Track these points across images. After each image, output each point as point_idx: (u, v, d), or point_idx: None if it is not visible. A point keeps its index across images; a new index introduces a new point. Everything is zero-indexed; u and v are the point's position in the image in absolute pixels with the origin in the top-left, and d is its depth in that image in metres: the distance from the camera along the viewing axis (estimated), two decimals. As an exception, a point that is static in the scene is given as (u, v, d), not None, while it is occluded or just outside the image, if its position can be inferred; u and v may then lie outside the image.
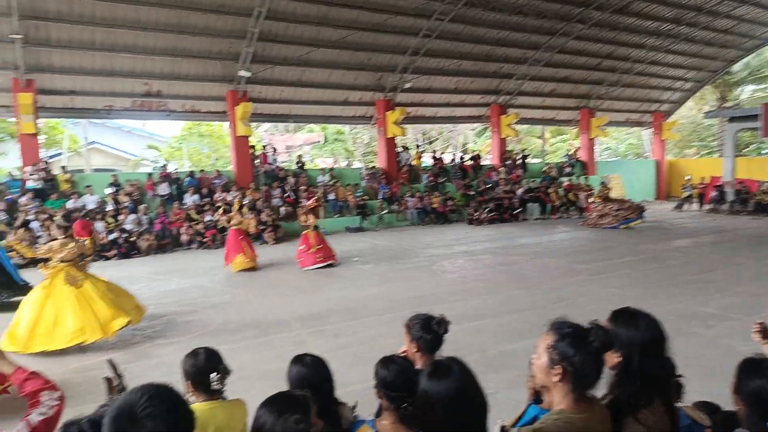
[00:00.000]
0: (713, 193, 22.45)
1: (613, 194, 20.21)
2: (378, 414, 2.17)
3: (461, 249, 13.53)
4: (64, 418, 1.97)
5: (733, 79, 32.34)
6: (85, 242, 6.89)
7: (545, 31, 21.27)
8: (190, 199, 16.64)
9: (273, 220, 16.46)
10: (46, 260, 6.65)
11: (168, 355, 6.08)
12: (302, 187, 18.49)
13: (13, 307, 8.50)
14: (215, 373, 2.32)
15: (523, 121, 25.22)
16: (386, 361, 2.13)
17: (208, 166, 25.39)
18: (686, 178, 24.42)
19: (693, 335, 6.11)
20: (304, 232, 11.76)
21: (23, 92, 14.72)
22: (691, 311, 7.16)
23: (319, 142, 34.33)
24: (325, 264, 11.37)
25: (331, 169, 21.45)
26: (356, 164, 31.31)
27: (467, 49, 20.88)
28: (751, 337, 2.50)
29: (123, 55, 15.97)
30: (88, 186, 15.94)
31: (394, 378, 2.04)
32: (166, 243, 15.04)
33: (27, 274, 9.50)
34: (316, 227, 11.87)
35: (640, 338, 1.89)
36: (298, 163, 21.20)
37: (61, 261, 6.52)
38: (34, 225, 13.66)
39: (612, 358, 1.85)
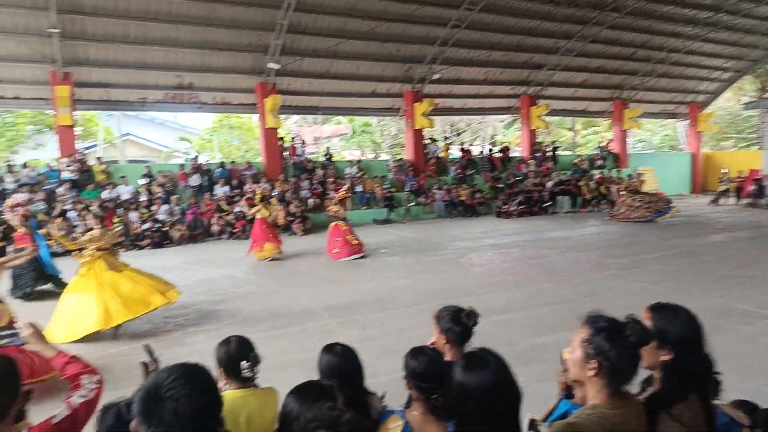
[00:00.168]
0: (751, 187, 21.71)
1: (646, 187, 19.74)
2: (407, 405, 2.18)
3: (489, 242, 13.42)
4: (102, 401, 2.04)
5: (775, 68, 31.19)
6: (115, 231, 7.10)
7: (578, 20, 20.83)
8: (221, 190, 16.90)
9: (301, 211, 16.60)
10: (80, 249, 6.84)
11: (199, 342, 6.21)
12: (330, 179, 18.58)
13: (35, 296, 8.81)
14: (246, 361, 2.36)
15: (553, 112, 24.81)
16: (416, 352, 2.13)
17: (237, 158, 25.72)
18: (723, 171, 23.69)
19: (730, 332, 5.94)
20: (335, 224, 11.83)
21: (61, 85, 15.14)
22: (727, 307, 6.96)
23: (346, 134, 34.42)
24: (359, 256, 11.47)
25: (359, 161, 21.51)
26: (383, 156, 31.29)
27: (497, 39, 20.60)
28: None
29: (156, 48, 16.27)
30: (122, 177, 16.34)
31: (423, 369, 2.04)
32: (198, 233, 15.33)
33: (61, 262, 9.78)
34: (344, 219, 11.96)
35: (677, 333, 1.85)
36: (326, 155, 21.31)
37: (98, 249, 6.72)
38: (71, 215, 14.07)
39: (649, 353, 1.81)
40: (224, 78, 17.96)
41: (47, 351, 2.15)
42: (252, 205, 12.43)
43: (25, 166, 16.10)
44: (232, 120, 30.21)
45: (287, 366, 4.87)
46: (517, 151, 25.93)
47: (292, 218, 16.15)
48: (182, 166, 18.15)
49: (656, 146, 36.58)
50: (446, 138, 26.70)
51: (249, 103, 18.77)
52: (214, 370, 2.27)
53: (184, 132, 32.98)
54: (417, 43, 19.38)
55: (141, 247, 14.03)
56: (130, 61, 16.35)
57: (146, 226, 14.53)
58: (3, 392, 1.84)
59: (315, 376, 2.18)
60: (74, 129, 16.49)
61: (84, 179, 15.79)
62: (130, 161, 23.42)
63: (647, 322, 1.85)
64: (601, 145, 27.02)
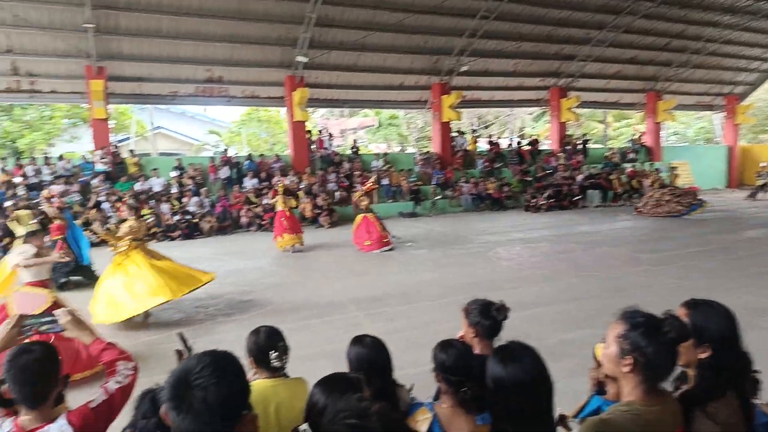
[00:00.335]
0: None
1: (680, 181, 19.26)
2: (436, 397, 2.18)
3: (517, 236, 13.28)
4: (137, 388, 2.09)
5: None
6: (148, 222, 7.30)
7: (610, 9, 20.34)
8: (250, 182, 17.11)
9: (328, 204, 16.70)
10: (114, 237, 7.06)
11: (228, 332, 6.32)
12: (357, 172, 18.62)
13: (69, 287, 9.05)
14: (274, 351, 2.38)
15: (584, 104, 24.33)
16: (445, 345, 2.12)
17: (266, 151, 25.98)
18: (761, 165, 22.88)
19: (766, 330, 5.77)
20: (363, 216, 11.88)
21: (95, 79, 15.51)
22: (763, 305, 6.76)
23: (372, 126, 34.42)
24: (388, 248, 11.54)
25: (386, 154, 21.50)
26: (410, 149, 31.22)
27: (527, 30, 20.28)
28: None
29: (187, 43, 16.51)
30: (154, 169, 16.68)
31: (452, 362, 2.04)
32: (227, 225, 15.56)
33: (95, 252, 10.02)
34: (371, 211, 12.00)
35: (715, 330, 1.81)
36: (352, 148, 21.35)
37: (134, 239, 6.93)
38: (105, 206, 14.43)
39: (685, 350, 1.77)
40: (253, 71, 18.13)
41: (85, 337, 2.21)
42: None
43: (61, 158, 16.57)
44: (260, 113, 30.51)
45: (314, 357, 4.92)
46: (547, 144, 25.55)
47: (318, 211, 16.26)
48: (212, 158, 18.43)
49: (691, 139, 35.59)
50: (474, 131, 26.40)
51: (277, 97, 18.92)
52: (244, 359, 2.31)
53: (214, 125, 33.45)
54: (445, 35, 19.22)
55: (172, 238, 14.31)
56: (162, 55, 16.64)
57: (177, 217, 14.82)
58: (44, 377, 1.90)
59: (342, 367, 2.19)
60: (108, 122, 16.88)
61: (117, 171, 16.18)
62: (162, 154, 23.90)
63: (683, 319, 1.80)
64: (634, 137, 26.44)
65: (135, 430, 1.79)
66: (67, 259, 5.33)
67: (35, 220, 9.02)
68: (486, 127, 34.50)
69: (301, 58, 17.44)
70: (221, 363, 1.36)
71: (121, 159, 16.75)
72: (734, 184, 27.19)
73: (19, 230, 6.23)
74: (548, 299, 7.38)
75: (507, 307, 2.36)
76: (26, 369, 1.86)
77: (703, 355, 1.79)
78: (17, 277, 5.42)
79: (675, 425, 1.66)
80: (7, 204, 13.40)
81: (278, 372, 2.43)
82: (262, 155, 19.50)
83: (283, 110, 21.32)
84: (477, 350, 2.29)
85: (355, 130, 33.90)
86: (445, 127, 21.08)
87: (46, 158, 16.45)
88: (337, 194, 17.80)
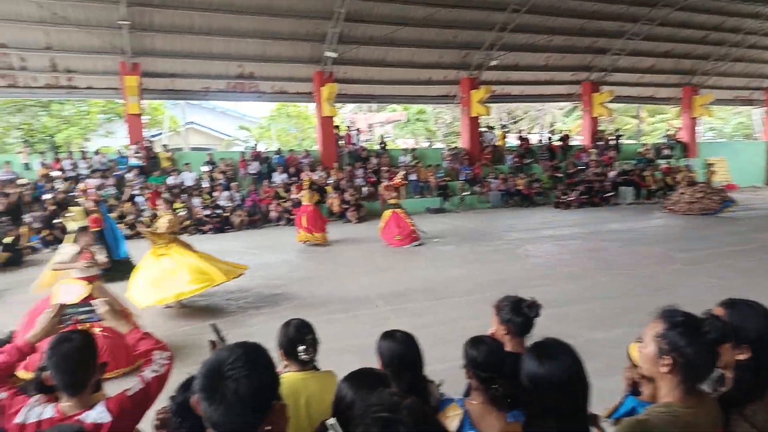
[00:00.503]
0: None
1: (717, 179, 18.69)
2: (466, 393, 2.17)
3: (547, 233, 13.10)
4: (171, 378, 2.13)
5: None
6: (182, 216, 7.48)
7: (645, 1, 19.85)
8: (279, 177, 17.29)
9: (356, 199, 16.75)
10: (150, 232, 7.24)
11: (258, 324, 6.41)
12: (384, 168, 18.63)
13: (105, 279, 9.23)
14: (301, 345, 2.40)
15: (617, 99, 23.78)
16: (476, 341, 2.10)
17: (295, 146, 26.19)
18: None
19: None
20: (392, 211, 11.88)
21: (130, 75, 15.86)
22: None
23: (400, 120, 34.34)
24: (417, 243, 11.58)
25: (413, 150, 21.43)
26: (437, 144, 31.05)
27: (559, 24, 19.94)
28: None
29: (219, 39, 16.75)
30: (186, 164, 17.00)
31: (484, 358, 2.02)
32: (257, 219, 15.76)
33: (130, 245, 10.26)
34: (399, 206, 12.01)
35: (755, 330, 1.75)
36: (380, 143, 21.35)
37: (171, 233, 7.11)
38: (139, 199, 14.77)
39: (724, 351, 1.72)
40: (283, 67, 18.27)
41: (121, 327, 2.27)
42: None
43: (97, 152, 17.04)
44: (289, 109, 30.74)
45: (340, 351, 4.95)
46: (578, 140, 25.10)
47: (346, 206, 16.33)
48: (242, 153, 18.67)
49: (729, 135, 34.53)
50: (503, 126, 26.14)
51: (306, 92, 19.04)
52: (274, 352, 2.34)
53: (244, 121, 33.84)
54: (475, 29, 19.03)
55: (203, 232, 14.56)
56: (194, 52, 16.91)
57: (208, 211, 15.07)
58: (83, 366, 1.96)
59: (369, 362, 2.19)
60: (142, 117, 17.25)
61: (151, 166, 16.53)
62: (194, 149, 24.30)
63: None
64: (669, 133, 25.76)
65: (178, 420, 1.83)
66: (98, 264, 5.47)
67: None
68: (515, 123, 34.06)
69: (330, 54, 17.51)
70: (252, 355, 1.36)
71: (154, 154, 17.11)
72: (774, 181, 26.31)
73: (71, 225, 6.45)
74: (577, 297, 7.26)
75: (539, 304, 2.33)
76: (67, 357, 1.92)
77: (741, 357, 1.74)
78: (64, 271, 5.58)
79: (715, 427, 1.62)
80: (46, 197, 13.84)
81: (308, 365, 2.45)
82: (291, 150, 19.67)
83: (312, 106, 21.43)
84: (508, 347, 2.27)
85: (382, 124, 33.86)
86: (474, 122, 20.91)
87: (83, 153, 16.93)
88: (365, 189, 17.84)
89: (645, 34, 21.16)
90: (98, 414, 1.90)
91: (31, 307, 5.37)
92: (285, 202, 16.22)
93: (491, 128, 23.12)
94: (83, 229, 5.58)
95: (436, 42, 19.12)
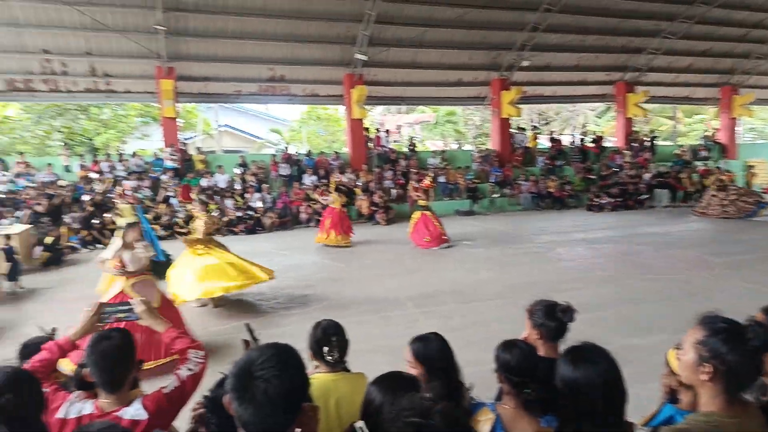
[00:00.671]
0: None
1: (758, 181, 18.07)
2: (498, 398, 2.14)
3: (579, 236, 12.87)
4: (206, 377, 2.17)
5: None
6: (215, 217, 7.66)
7: (682, -1, 19.34)
8: (309, 179, 17.43)
9: (384, 201, 16.77)
10: (186, 233, 7.43)
11: (288, 325, 6.47)
12: (413, 170, 18.60)
13: None
14: (326, 347, 2.41)
15: (653, 99, 23.16)
16: (508, 345, 2.08)
17: (324, 149, 26.40)
18: None
19: None
20: (422, 213, 11.88)
21: (165, 79, 16.23)
22: None
23: (429, 121, 34.23)
24: (447, 245, 11.57)
25: (443, 152, 21.33)
26: (467, 146, 30.84)
27: (592, 23, 19.57)
28: None
29: (251, 42, 17.00)
30: (219, 166, 17.30)
31: (516, 362, 2.00)
32: (287, 220, 15.92)
33: (166, 245, 10.48)
34: (428, 208, 12.01)
35: None
36: (409, 145, 21.33)
37: (207, 234, 7.29)
38: (174, 201, 15.09)
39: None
40: (313, 70, 18.43)
41: (158, 326, 2.32)
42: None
43: (134, 155, 17.48)
44: (319, 111, 30.99)
45: (369, 353, 4.95)
46: (611, 141, 24.59)
47: (375, 208, 16.36)
48: (273, 156, 18.90)
49: (770, 136, 33.36)
50: (534, 127, 25.75)
51: (336, 95, 19.16)
52: (304, 353, 2.35)
53: (275, 123, 34.25)
54: (506, 30, 18.84)
55: (235, 233, 14.77)
56: (227, 55, 17.19)
57: (240, 213, 15.30)
58: (122, 363, 2.01)
59: (398, 364, 2.18)
60: (176, 120, 17.63)
61: (185, 168, 16.88)
62: (226, 151, 24.71)
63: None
64: (707, 134, 25.02)
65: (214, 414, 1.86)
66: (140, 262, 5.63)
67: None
68: (547, 124, 33.58)
69: (360, 56, 17.59)
70: (283, 356, 1.37)
71: (188, 156, 17.46)
72: (820, 183, 25.25)
73: (120, 221, 6.68)
74: (611, 302, 7.12)
75: (573, 309, 2.30)
76: (106, 355, 1.96)
77: None
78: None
79: (758, 438, 1.56)
80: (85, 198, 14.26)
81: (338, 366, 2.46)
82: (321, 153, 19.82)
83: (342, 108, 21.56)
84: (541, 352, 2.23)
85: (411, 125, 33.82)
86: (505, 123, 20.70)
87: (120, 155, 17.40)
88: (394, 191, 17.84)
89: (682, 33, 20.58)
90: (135, 411, 1.94)
91: (73, 305, 5.56)
92: (315, 203, 16.34)
93: (522, 129, 22.84)
94: (131, 225, 5.73)
95: (466, 43, 19.00)
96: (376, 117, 32.87)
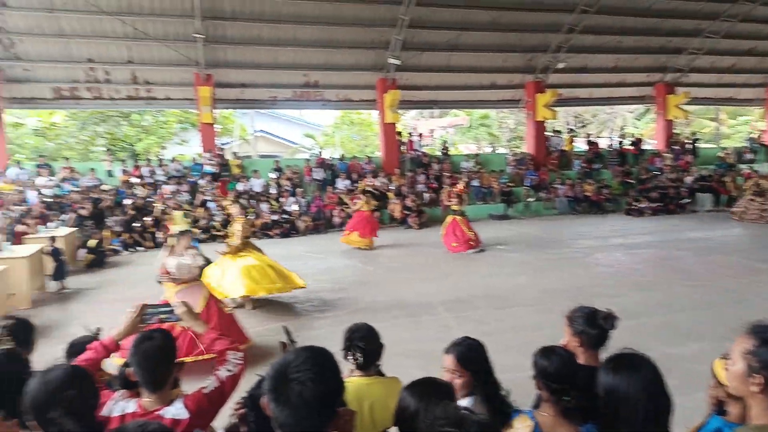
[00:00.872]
0: None
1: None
2: (536, 405, 2.11)
3: (618, 241, 12.58)
4: (244, 378, 2.20)
5: None
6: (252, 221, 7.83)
7: (725, -2, 18.72)
8: (342, 183, 17.55)
9: (417, 205, 16.74)
10: (224, 236, 7.62)
11: (322, 327, 6.52)
12: (446, 174, 18.51)
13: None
14: (350, 350, 2.41)
15: (694, 101, 22.43)
16: (547, 351, 2.04)
17: (357, 153, 26.53)
18: None
19: None
20: (452, 218, 11.88)
21: (203, 86, 16.62)
22: None
23: (462, 125, 34.02)
24: (476, 250, 11.54)
25: (476, 155, 21.16)
26: (501, 150, 30.51)
27: (630, 24, 19.13)
28: None
29: (285, 49, 17.25)
30: (255, 171, 17.59)
31: (555, 369, 1.95)
32: (321, 224, 16.06)
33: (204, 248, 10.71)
34: (462, 213, 11.96)
35: None
36: (442, 149, 21.24)
37: (245, 237, 7.46)
38: (211, 205, 15.41)
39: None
40: (347, 75, 18.57)
41: (198, 328, 2.37)
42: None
43: (173, 160, 17.93)
44: (352, 116, 31.18)
45: (401, 357, 4.93)
46: (651, 144, 23.94)
47: (408, 212, 16.35)
48: (307, 160, 19.11)
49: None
50: (570, 130, 25.28)
51: (369, 100, 19.25)
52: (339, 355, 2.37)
53: (309, 128, 34.62)
54: (541, 32, 18.59)
55: (270, 236, 14.97)
56: (263, 62, 17.49)
57: (275, 217, 15.51)
58: (163, 363, 2.06)
59: (430, 368, 2.17)
60: (214, 126, 18.02)
61: (222, 172, 17.21)
62: (262, 156, 25.07)
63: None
64: (752, 136, 24.12)
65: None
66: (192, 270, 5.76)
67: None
68: (583, 126, 32.93)
69: (393, 61, 17.63)
70: (319, 359, 1.38)
71: (225, 161, 17.82)
72: None
73: (173, 228, 6.93)
74: (651, 309, 6.93)
75: (615, 316, 2.24)
76: (148, 355, 2.02)
77: None
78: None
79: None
80: (126, 202, 14.70)
81: (372, 370, 2.46)
82: (354, 157, 19.93)
83: (375, 113, 21.64)
84: (581, 360, 2.19)
85: (444, 128, 33.67)
86: (540, 126, 20.40)
87: (160, 160, 17.88)
88: (426, 195, 17.79)
89: (725, 32, 19.91)
90: (177, 410, 1.99)
91: (115, 306, 5.72)
92: (348, 207, 16.43)
93: (558, 132, 22.46)
94: (183, 233, 5.88)
95: (500, 46, 18.83)
96: (409, 121, 32.84)
